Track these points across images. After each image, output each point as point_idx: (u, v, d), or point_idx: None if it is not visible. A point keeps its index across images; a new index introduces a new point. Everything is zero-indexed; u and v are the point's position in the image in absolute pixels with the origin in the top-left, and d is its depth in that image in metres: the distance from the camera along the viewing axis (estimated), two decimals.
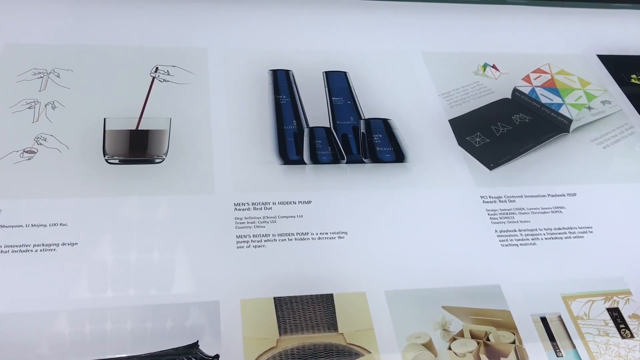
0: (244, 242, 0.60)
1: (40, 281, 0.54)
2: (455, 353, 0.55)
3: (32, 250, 0.56)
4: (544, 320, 0.58)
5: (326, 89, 0.77)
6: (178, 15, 0.82)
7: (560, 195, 0.69)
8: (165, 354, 0.51)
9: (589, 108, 0.80)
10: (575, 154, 0.75)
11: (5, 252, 0.56)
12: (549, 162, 0.73)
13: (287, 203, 0.64)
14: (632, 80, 0.86)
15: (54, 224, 0.58)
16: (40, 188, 0.61)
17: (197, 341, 0.52)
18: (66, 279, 0.55)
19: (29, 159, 0.63)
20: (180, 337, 0.52)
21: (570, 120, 0.78)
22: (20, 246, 0.56)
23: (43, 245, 0.57)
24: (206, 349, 0.52)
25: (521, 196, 0.69)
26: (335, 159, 0.69)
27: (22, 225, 0.58)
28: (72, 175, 0.62)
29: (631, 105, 0.82)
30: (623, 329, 0.59)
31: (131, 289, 0.55)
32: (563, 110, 0.79)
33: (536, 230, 0.66)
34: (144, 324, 0.53)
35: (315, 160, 0.69)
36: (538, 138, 0.76)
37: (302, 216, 0.63)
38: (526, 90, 0.81)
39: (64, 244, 0.57)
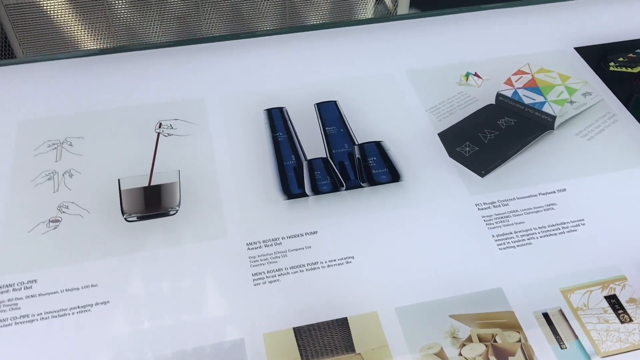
0: (259, 279, 0.65)
1: (80, 341, 0.60)
2: (466, 358, 0.59)
3: (69, 314, 0.62)
4: (546, 315, 0.62)
5: (319, 120, 0.82)
6: (173, 70, 0.88)
7: (551, 193, 0.73)
8: None
9: (571, 102, 0.84)
10: (562, 149, 0.78)
11: (45, 318, 0.61)
12: (537, 161, 0.77)
13: (295, 236, 0.69)
14: (611, 68, 0.90)
15: (86, 286, 0.64)
16: (69, 254, 0.66)
17: None
18: (103, 336, 0.60)
19: (55, 228, 0.69)
20: None
21: (553, 117, 0.82)
22: (58, 311, 0.62)
23: (78, 307, 0.62)
24: None
25: (514, 199, 0.73)
26: (335, 187, 0.74)
27: (57, 292, 0.63)
28: (96, 238, 0.68)
29: (611, 93, 0.86)
30: (622, 314, 0.63)
31: (164, 337, 0.60)
32: (546, 108, 0.83)
33: (531, 230, 0.70)
34: None
35: (317, 191, 0.74)
36: (525, 139, 0.80)
37: (310, 247, 0.68)
38: (509, 93, 0.85)
39: (97, 304, 0.62)
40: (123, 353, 0.59)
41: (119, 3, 1.50)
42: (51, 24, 1.50)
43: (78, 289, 0.64)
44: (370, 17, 1.65)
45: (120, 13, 1.52)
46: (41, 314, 0.62)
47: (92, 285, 0.64)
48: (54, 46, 1.54)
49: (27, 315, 0.61)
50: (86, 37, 1.55)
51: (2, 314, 0.61)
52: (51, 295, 0.63)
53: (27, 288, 0.63)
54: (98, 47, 1.56)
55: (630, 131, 0.80)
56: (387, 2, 1.72)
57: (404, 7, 1.61)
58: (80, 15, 1.50)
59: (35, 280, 0.64)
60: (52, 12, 1.48)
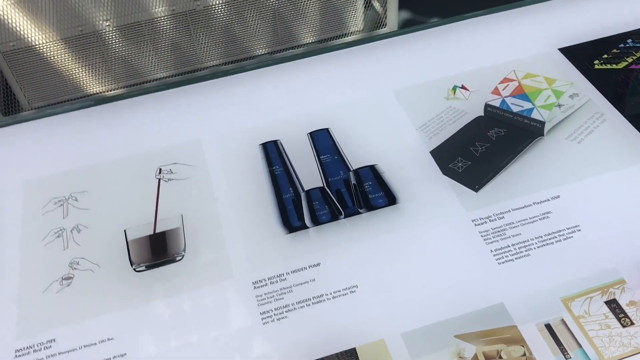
0: (268, 317, 0.67)
1: None
2: None
3: None
4: (548, 327, 0.64)
5: (313, 149, 0.84)
6: (168, 113, 0.90)
7: (545, 201, 0.75)
8: None
9: (559, 106, 0.85)
10: (553, 155, 0.80)
11: None
12: (529, 169, 0.78)
13: (298, 270, 0.71)
14: (596, 66, 0.91)
15: (103, 341, 0.66)
16: (84, 310, 0.69)
17: None
18: None
19: (68, 285, 0.71)
20: None
21: (543, 123, 0.83)
22: None
23: None
24: None
25: (509, 211, 0.74)
26: (334, 216, 0.76)
27: (75, 349, 0.66)
28: (108, 292, 0.70)
29: (598, 92, 0.87)
30: (623, 318, 0.64)
31: None
32: (535, 114, 0.84)
33: (528, 241, 0.71)
34: None
35: (316, 221, 0.76)
36: (516, 148, 0.81)
37: (314, 280, 0.70)
38: (497, 103, 0.87)
39: (115, 357, 0.65)
40: None
41: (112, 39, 1.53)
42: (49, 65, 1.54)
43: (95, 344, 0.66)
44: (360, 28, 1.67)
45: (114, 48, 1.55)
46: None
47: (108, 339, 0.66)
48: (54, 86, 1.58)
49: None
50: (84, 74, 1.59)
51: None
52: (70, 353, 0.66)
53: (46, 348, 0.66)
54: (97, 83, 1.60)
55: (619, 130, 0.81)
56: (376, 8, 1.74)
57: (392, 15, 1.63)
58: (76, 53, 1.54)
59: (54, 340, 0.67)
60: (48, 52, 1.52)
